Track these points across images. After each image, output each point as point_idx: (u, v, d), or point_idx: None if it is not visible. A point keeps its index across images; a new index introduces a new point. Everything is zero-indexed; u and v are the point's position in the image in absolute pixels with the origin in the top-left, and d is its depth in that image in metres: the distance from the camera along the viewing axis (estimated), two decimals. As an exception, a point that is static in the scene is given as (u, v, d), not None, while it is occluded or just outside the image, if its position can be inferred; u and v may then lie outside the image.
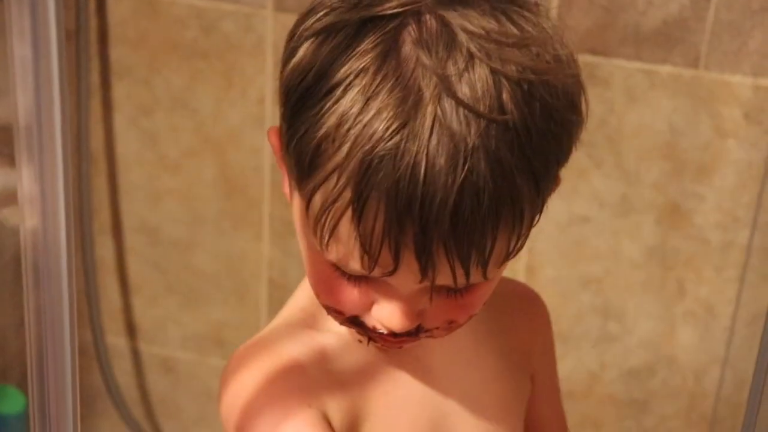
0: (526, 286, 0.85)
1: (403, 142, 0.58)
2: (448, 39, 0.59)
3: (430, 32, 0.60)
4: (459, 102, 0.58)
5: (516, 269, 1.36)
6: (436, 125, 0.58)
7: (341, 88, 0.59)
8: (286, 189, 0.69)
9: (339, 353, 0.73)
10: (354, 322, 0.68)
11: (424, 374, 0.75)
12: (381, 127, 0.58)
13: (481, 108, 0.58)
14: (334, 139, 0.59)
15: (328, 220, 0.61)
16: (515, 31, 0.61)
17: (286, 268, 1.44)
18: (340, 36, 0.60)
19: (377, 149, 0.58)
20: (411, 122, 0.58)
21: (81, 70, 1.38)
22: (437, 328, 0.68)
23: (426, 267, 0.60)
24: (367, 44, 0.60)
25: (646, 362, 1.38)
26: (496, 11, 0.61)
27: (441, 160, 0.57)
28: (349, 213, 0.60)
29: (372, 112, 0.58)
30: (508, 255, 0.63)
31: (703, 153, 1.26)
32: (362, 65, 0.59)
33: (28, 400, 0.58)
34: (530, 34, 0.61)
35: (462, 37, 0.59)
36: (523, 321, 0.81)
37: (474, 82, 0.58)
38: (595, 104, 1.27)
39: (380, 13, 0.60)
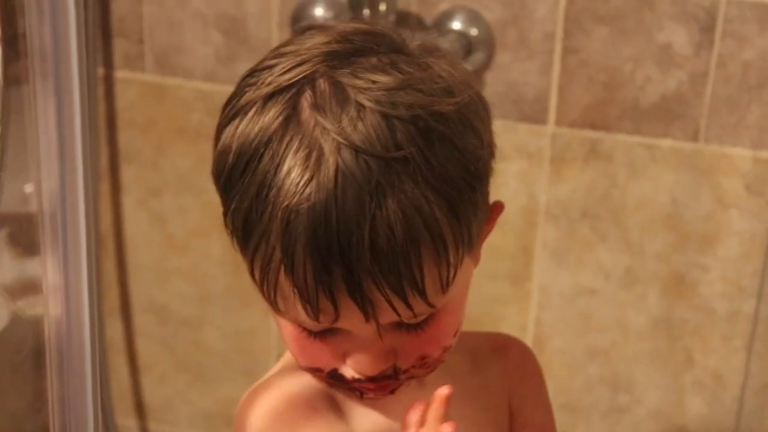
0: (501, 336, 0.88)
1: (313, 194, 0.64)
2: (341, 96, 0.66)
3: (324, 94, 0.66)
4: (357, 149, 0.64)
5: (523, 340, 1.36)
6: (340, 173, 0.64)
7: (255, 160, 0.66)
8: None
9: (343, 396, 0.75)
10: (334, 377, 0.71)
11: None
12: (292, 186, 0.64)
13: (378, 149, 0.64)
14: (257, 207, 0.65)
15: (269, 281, 0.66)
16: (401, 76, 0.67)
17: (294, 346, 1.45)
18: (250, 114, 0.67)
19: (292, 206, 0.64)
20: (317, 175, 0.64)
21: (91, 155, 1.39)
22: (413, 366, 0.71)
23: (364, 305, 0.65)
24: (272, 117, 0.66)
25: (657, 433, 1.38)
26: (382, 62, 0.68)
27: (350, 204, 0.63)
28: (282, 270, 0.65)
29: (282, 174, 0.65)
30: (445, 282, 0.67)
31: (706, 224, 1.27)
32: (269, 135, 0.66)
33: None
34: (414, 75, 0.67)
35: (352, 92, 0.66)
36: (497, 368, 0.84)
37: (368, 128, 0.65)
38: (597, 178, 1.29)
39: (280, 87, 0.67)
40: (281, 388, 0.75)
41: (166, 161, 1.41)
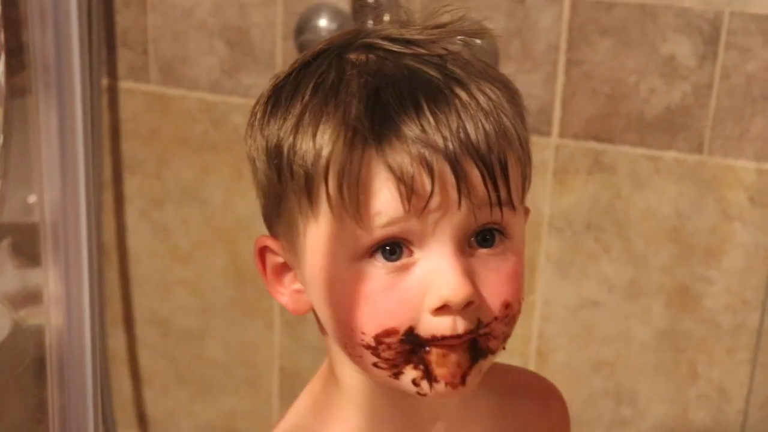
0: (544, 380, 0.84)
1: (380, 70, 0.66)
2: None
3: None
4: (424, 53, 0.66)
5: (527, 353, 1.36)
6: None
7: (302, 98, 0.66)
8: (283, 295, 0.72)
9: None
10: (410, 340, 0.65)
11: None
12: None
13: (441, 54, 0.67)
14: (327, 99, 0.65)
15: (352, 173, 0.63)
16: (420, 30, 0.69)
17: (297, 357, 1.44)
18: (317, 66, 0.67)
19: (370, 83, 0.64)
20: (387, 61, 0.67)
21: (94, 165, 1.40)
22: (495, 319, 0.66)
23: (457, 173, 0.62)
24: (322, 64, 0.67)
25: (661, 446, 1.37)
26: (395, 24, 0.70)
27: (428, 81, 0.65)
28: (370, 150, 0.62)
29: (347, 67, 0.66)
30: (521, 186, 0.67)
31: (710, 236, 1.27)
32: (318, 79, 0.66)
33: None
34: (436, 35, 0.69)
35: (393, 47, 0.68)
36: (539, 417, 0.81)
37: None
38: (601, 190, 1.29)
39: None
40: None
41: (170, 172, 1.41)
